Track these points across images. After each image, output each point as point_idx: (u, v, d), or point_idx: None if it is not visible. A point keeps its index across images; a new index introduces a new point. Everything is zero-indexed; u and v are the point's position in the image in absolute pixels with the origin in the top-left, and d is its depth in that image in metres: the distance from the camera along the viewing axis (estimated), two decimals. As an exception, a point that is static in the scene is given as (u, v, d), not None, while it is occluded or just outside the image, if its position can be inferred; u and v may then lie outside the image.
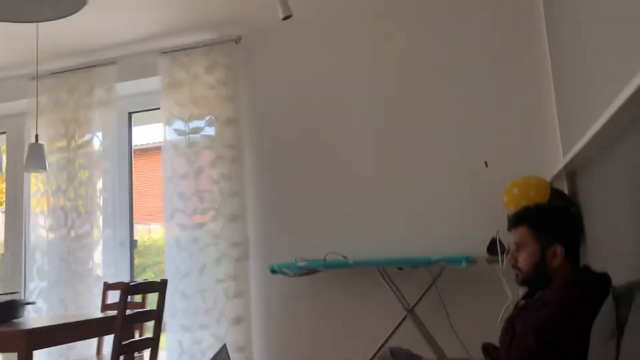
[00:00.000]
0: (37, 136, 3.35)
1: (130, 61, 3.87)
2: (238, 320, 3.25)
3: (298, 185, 3.45)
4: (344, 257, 3.14)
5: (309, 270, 3.14)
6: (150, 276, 7.11)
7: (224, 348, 1.77)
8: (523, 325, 1.55)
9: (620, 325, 1.21)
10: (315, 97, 3.49)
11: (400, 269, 3.09)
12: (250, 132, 3.58)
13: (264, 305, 3.41)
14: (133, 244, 3.98)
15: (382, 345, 2.86)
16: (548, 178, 2.71)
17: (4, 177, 4.29)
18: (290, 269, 3.10)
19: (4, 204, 4.33)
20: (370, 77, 3.40)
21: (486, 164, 2.91)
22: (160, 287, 2.70)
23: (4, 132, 4.39)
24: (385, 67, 3.38)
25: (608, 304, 1.28)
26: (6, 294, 3.61)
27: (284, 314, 3.37)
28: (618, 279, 1.52)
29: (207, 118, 3.48)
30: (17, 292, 3.93)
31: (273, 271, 3.14)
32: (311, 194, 3.42)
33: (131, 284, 2.64)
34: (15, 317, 2.68)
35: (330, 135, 3.43)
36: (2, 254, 4.29)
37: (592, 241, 2.36)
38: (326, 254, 3.19)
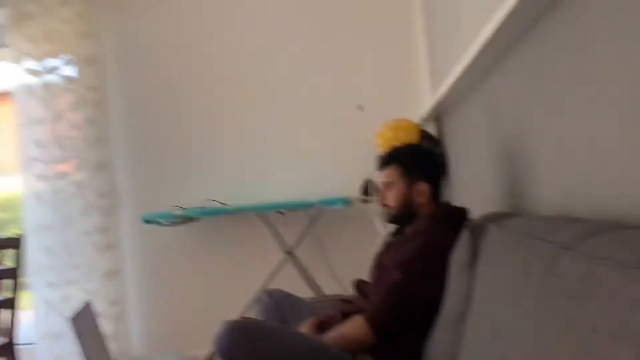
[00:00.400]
0: None
1: (-33, -11, 3.34)
2: (111, 274, 3.09)
3: (172, 131, 3.27)
4: (223, 203, 3.08)
5: (186, 219, 3.04)
6: (15, 232, 6.54)
7: (87, 306, 1.65)
8: (390, 259, 1.61)
9: (474, 256, 1.29)
10: (189, 35, 3.28)
11: (281, 212, 3.10)
12: (117, 73, 3.29)
13: (138, 257, 3.27)
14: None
15: (262, 289, 2.87)
16: (418, 120, 2.82)
17: None
18: (166, 219, 2.98)
19: None
20: (244, 18, 3.26)
21: (360, 107, 2.95)
22: (15, 243, 2.46)
23: None
24: (259, 10, 3.25)
25: (465, 236, 1.36)
26: None
27: (160, 265, 3.26)
28: (476, 215, 1.62)
29: (64, 57, 3.13)
30: None
31: (147, 221, 2.99)
32: (186, 140, 3.27)
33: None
34: None
35: (205, 77, 3.27)
36: None
37: (454, 180, 2.51)
38: (205, 201, 3.11)
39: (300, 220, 3.09)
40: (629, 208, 0.96)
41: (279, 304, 2.00)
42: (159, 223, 2.99)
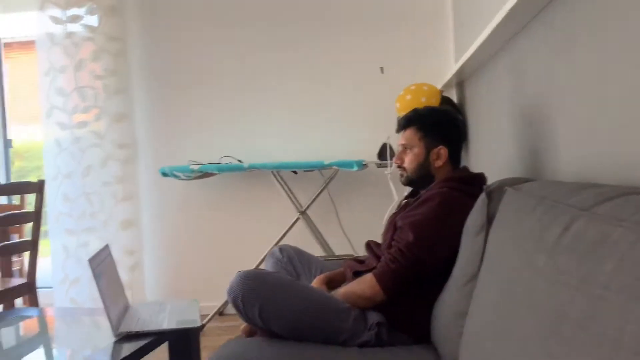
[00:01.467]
0: None
1: None
2: (127, 224, 3.15)
3: (191, 85, 3.28)
4: (239, 160, 3.10)
5: (203, 174, 3.07)
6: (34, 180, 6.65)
7: (105, 249, 1.69)
8: (403, 221, 1.61)
9: (490, 220, 1.30)
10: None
11: (295, 172, 3.12)
12: (138, 23, 3.28)
13: (155, 209, 3.33)
14: (7, 144, 3.64)
15: (275, 245, 2.91)
16: (439, 86, 2.79)
17: None
18: (183, 172, 3.01)
19: None
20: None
21: (382, 69, 2.92)
22: (36, 187, 2.51)
23: None
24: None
25: (481, 200, 1.36)
26: None
27: (176, 217, 3.32)
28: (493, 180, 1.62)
29: (87, 6, 3.12)
30: None
31: (164, 174, 3.03)
32: (206, 95, 3.28)
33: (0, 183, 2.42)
34: None
35: (227, 33, 3.25)
36: None
37: (473, 146, 2.50)
38: (221, 157, 3.13)
39: (315, 181, 3.10)
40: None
41: (291, 259, 2.03)
42: (176, 176, 3.02)
